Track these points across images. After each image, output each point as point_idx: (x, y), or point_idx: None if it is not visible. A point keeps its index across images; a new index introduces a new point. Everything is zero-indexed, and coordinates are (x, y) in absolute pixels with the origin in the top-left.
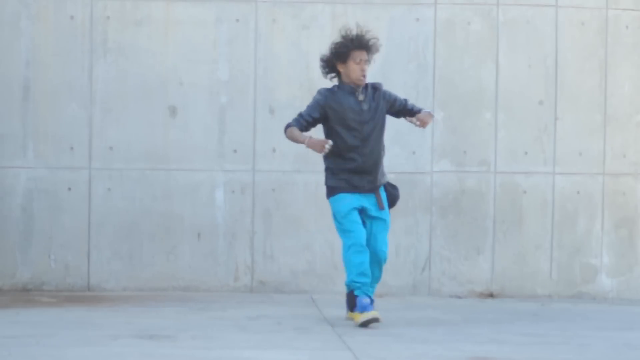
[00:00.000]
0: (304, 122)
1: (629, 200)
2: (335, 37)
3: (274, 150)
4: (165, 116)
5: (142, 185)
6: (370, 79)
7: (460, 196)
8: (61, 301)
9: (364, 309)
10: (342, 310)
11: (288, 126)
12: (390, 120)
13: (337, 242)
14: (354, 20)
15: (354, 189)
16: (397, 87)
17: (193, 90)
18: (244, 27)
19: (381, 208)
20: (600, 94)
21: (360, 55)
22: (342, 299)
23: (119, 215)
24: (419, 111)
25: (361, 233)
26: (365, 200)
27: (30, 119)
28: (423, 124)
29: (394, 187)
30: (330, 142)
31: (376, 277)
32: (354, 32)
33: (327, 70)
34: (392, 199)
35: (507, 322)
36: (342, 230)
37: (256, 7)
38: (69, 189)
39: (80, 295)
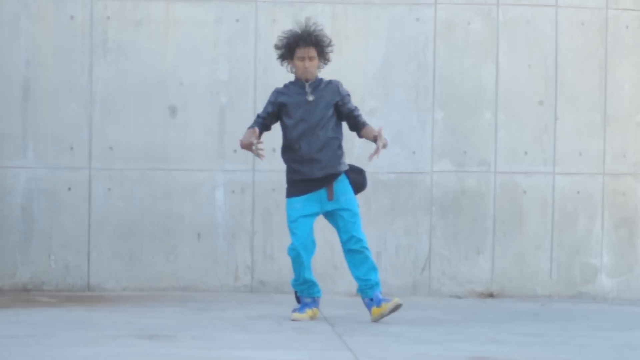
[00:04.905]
0: (260, 120)
1: (629, 200)
2: (283, 31)
3: (274, 150)
4: (165, 116)
5: (142, 185)
6: (370, 78)
7: (460, 196)
8: (61, 301)
9: (298, 309)
10: (342, 310)
11: (249, 127)
12: (390, 120)
13: (337, 242)
14: (354, 20)
15: (306, 185)
16: (397, 87)
17: (193, 90)
18: (244, 27)
19: (329, 199)
20: (600, 94)
21: (303, 52)
22: (343, 299)
23: (119, 215)
24: (363, 124)
25: (303, 236)
26: (318, 204)
27: (30, 119)
28: (383, 146)
29: (360, 173)
30: (257, 142)
31: (365, 262)
32: (297, 29)
33: (282, 61)
34: (357, 185)
35: (507, 322)
36: (290, 230)
37: (256, 7)
38: (69, 189)
39: (80, 295)
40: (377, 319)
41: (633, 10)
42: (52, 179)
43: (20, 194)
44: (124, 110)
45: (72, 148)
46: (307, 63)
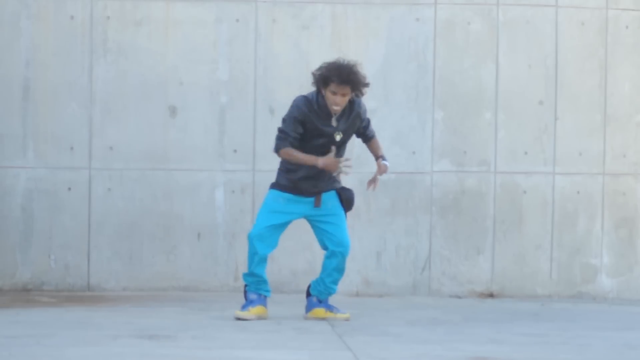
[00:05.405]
0: (294, 141)
1: (629, 200)
2: (328, 60)
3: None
4: (165, 116)
5: (142, 185)
6: (370, 78)
7: (460, 196)
8: (61, 301)
9: (244, 306)
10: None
11: (280, 147)
12: (390, 120)
13: None
14: (354, 20)
15: (296, 191)
16: (397, 87)
17: (193, 90)
18: (244, 27)
19: (316, 205)
20: (600, 94)
21: (338, 88)
22: (342, 299)
23: (119, 215)
24: (371, 137)
25: (262, 229)
26: (302, 206)
27: (30, 119)
28: (380, 173)
29: (348, 190)
30: (343, 159)
31: (340, 272)
32: (343, 64)
33: (315, 85)
34: (347, 201)
35: (507, 322)
36: (258, 215)
37: (256, 7)
38: (69, 189)
39: (80, 295)
40: (311, 318)
41: (633, 10)
42: (52, 179)
43: (20, 194)
44: (124, 110)
45: (72, 148)
46: (339, 99)
